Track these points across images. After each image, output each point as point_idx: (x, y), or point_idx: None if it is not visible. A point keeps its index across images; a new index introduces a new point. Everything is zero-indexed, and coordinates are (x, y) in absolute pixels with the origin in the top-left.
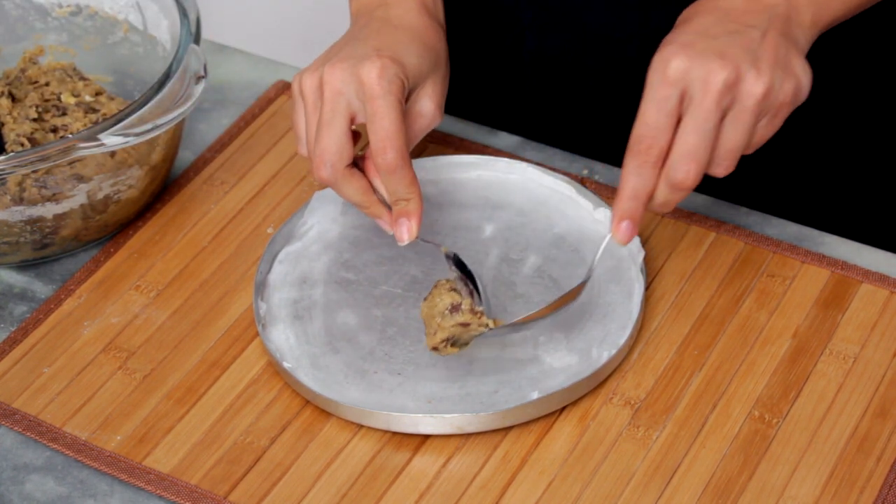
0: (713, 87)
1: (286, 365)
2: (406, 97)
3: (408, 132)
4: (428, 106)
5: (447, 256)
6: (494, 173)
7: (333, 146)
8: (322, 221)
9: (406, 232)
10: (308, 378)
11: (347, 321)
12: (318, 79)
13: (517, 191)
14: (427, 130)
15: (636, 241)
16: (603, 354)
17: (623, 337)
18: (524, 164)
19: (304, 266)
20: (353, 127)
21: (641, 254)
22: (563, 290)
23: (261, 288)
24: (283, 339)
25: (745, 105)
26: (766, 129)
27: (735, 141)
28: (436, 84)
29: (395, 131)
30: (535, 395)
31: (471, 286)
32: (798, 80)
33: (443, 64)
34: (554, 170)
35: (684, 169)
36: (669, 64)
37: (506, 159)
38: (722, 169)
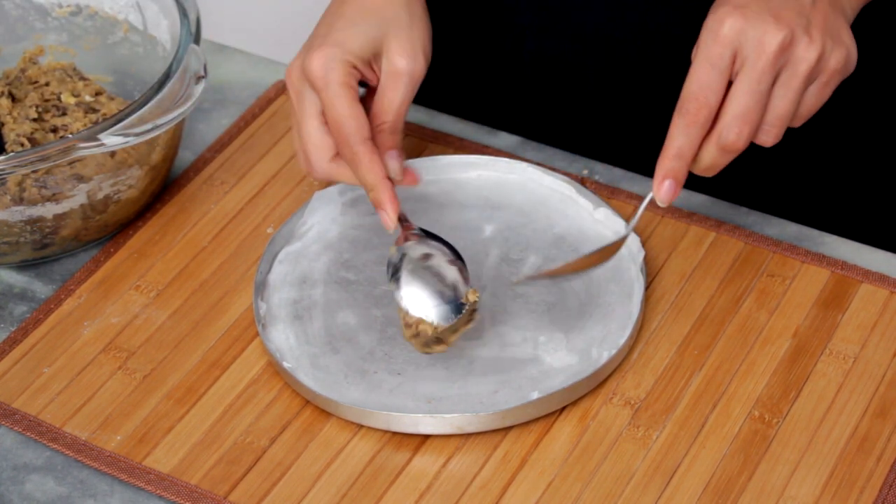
0: (768, 49)
1: (286, 365)
2: (371, 68)
3: (392, 97)
4: (400, 63)
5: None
6: (495, 173)
7: (310, 143)
8: (322, 221)
9: (386, 221)
10: (308, 378)
11: (347, 321)
12: (286, 76)
13: (517, 191)
14: (415, 85)
15: (636, 240)
16: (603, 354)
17: (623, 337)
18: (524, 164)
19: (304, 266)
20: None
21: (641, 253)
22: (563, 290)
23: (261, 288)
24: (282, 339)
25: (797, 70)
26: (815, 99)
27: (784, 107)
28: (400, 39)
29: (345, 118)
30: (535, 395)
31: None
32: (848, 49)
33: (403, 16)
34: (554, 170)
35: (736, 131)
36: (724, 23)
37: (506, 159)
38: (770, 137)
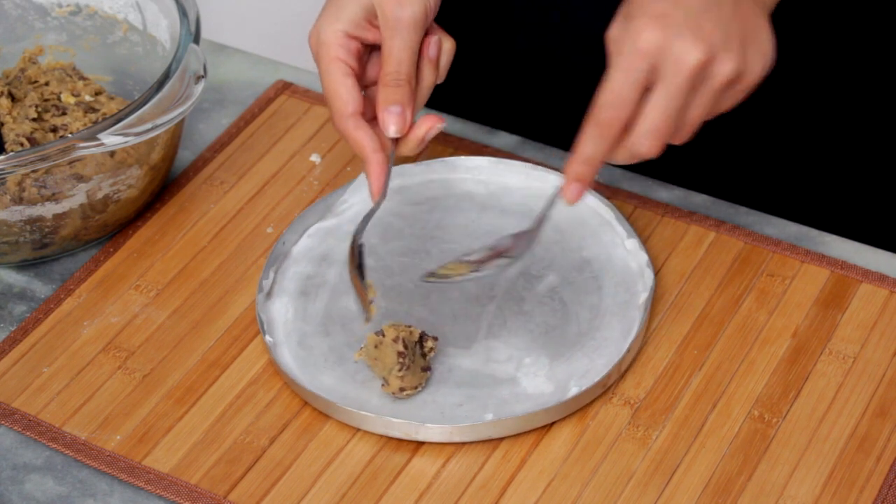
0: (685, 67)
1: (266, 339)
2: (372, 26)
3: (389, 48)
4: (389, 12)
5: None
6: (543, 185)
7: (328, 98)
8: (363, 202)
9: (371, 193)
10: (289, 355)
11: (349, 306)
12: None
13: (560, 206)
14: (409, 32)
15: (650, 276)
16: (572, 389)
17: (601, 374)
18: None
19: (330, 244)
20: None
21: (645, 294)
22: (568, 315)
23: (280, 258)
24: (282, 312)
25: (715, 84)
26: (730, 102)
27: (697, 115)
28: None
29: (331, 93)
30: (489, 417)
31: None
32: (766, 56)
33: None
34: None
35: (647, 144)
36: (641, 35)
37: (557, 173)
38: (680, 139)
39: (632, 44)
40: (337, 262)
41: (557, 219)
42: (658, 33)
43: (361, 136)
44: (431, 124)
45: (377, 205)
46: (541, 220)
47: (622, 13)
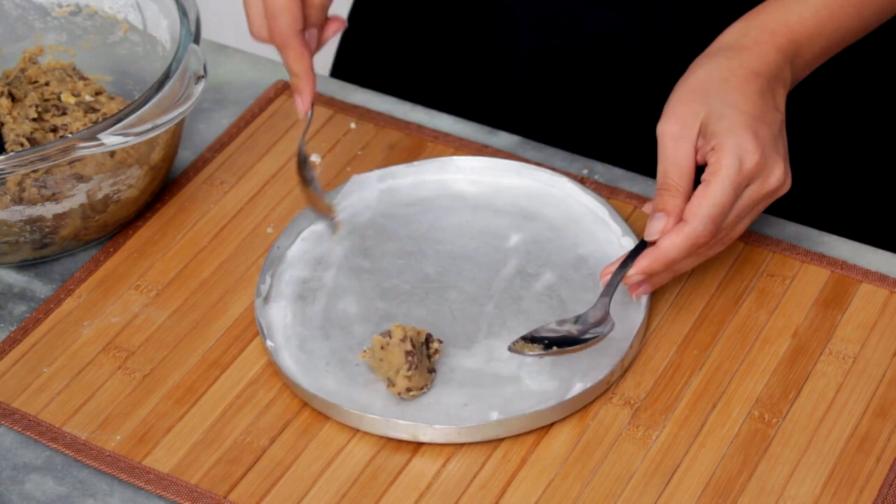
0: (767, 189)
1: (268, 343)
2: None
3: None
4: None
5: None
6: (536, 183)
7: (276, 6)
8: (355, 205)
9: (297, 106)
10: (290, 359)
11: (348, 309)
12: None
13: (553, 205)
14: None
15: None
16: (577, 385)
17: (604, 372)
18: (565, 179)
19: (325, 247)
20: None
21: (645, 295)
22: (568, 312)
23: (275, 262)
24: (280, 316)
25: (768, 202)
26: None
27: (743, 228)
28: None
29: (281, 10)
30: (494, 416)
31: None
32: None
33: None
34: (569, 175)
35: (718, 251)
36: (748, 156)
37: (549, 171)
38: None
39: (739, 163)
40: (332, 265)
41: (552, 216)
42: (758, 155)
43: (307, 54)
44: (337, 27)
45: (310, 118)
46: (607, 304)
47: (685, 105)
